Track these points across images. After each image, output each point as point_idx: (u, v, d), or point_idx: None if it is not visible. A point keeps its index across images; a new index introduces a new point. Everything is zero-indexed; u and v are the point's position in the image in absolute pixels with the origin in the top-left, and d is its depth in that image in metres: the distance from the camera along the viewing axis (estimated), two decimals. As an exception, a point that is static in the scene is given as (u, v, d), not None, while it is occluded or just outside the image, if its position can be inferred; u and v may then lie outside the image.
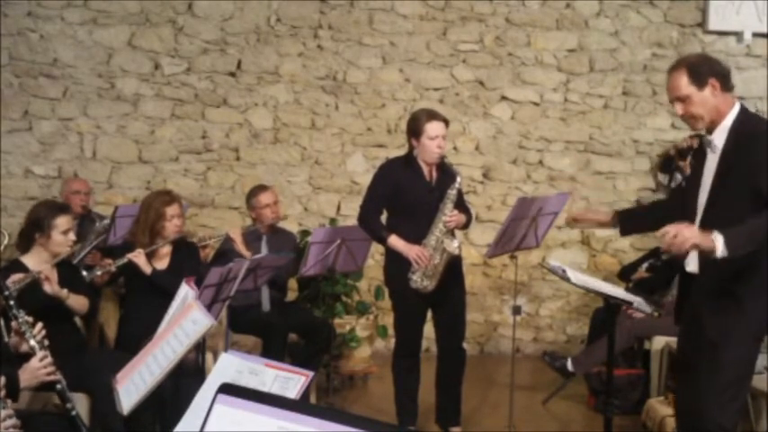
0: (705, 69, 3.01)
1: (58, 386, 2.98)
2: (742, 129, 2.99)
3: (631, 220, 3.54)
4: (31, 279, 3.62)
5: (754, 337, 3.02)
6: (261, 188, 5.26)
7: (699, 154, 3.17)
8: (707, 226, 2.99)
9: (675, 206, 3.29)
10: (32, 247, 3.83)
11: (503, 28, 6.71)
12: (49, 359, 2.95)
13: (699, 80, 3.00)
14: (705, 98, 3.00)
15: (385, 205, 4.37)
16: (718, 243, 2.77)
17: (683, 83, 3.02)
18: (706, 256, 2.90)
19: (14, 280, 3.52)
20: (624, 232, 3.57)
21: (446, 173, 4.26)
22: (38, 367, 2.92)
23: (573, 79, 6.76)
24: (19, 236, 3.99)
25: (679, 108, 3.06)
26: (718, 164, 3.01)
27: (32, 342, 2.96)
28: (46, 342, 3.01)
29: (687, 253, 3.00)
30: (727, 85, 3.03)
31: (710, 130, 3.07)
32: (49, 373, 2.94)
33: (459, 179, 4.22)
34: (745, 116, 3.04)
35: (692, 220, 3.06)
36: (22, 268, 3.74)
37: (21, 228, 3.98)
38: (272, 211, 5.14)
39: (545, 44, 6.73)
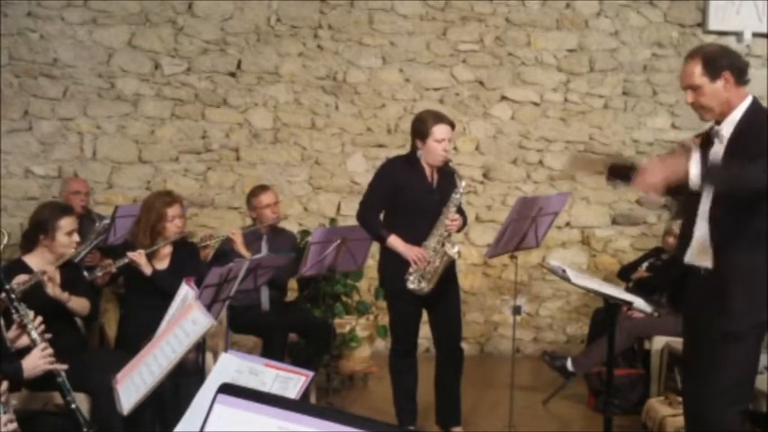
0: (721, 62, 2.99)
1: (59, 379, 3.01)
2: (750, 121, 2.98)
3: (622, 173, 3.32)
4: (35, 281, 3.62)
5: (754, 333, 3.00)
6: (261, 188, 5.26)
7: (706, 144, 3.16)
8: (711, 215, 3.00)
9: None
10: (36, 248, 3.83)
11: (503, 28, 6.71)
12: (51, 350, 3.00)
13: (713, 72, 2.99)
14: (716, 90, 2.99)
15: (384, 204, 4.35)
16: (693, 170, 2.78)
17: (697, 72, 3.00)
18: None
19: (19, 281, 3.53)
20: (610, 178, 3.44)
21: (447, 175, 4.25)
22: (40, 356, 2.96)
23: (573, 79, 6.76)
24: (23, 237, 4.00)
25: (689, 96, 3.06)
26: (723, 154, 3.01)
27: (34, 334, 3.00)
28: (47, 335, 3.05)
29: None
30: (741, 80, 3.01)
31: (719, 121, 3.06)
32: (51, 362, 2.97)
33: (463, 184, 4.22)
34: (755, 109, 3.02)
35: (695, 208, 3.07)
36: (25, 268, 3.74)
37: (24, 229, 3.99)
38: (272, 211, 5.14)
39: (545, 44, 6.73)
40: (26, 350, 3.08)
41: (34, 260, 3.81)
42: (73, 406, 3.02)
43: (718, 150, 3.04)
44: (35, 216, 3.86)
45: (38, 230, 3.80)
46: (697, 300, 3.09)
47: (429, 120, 4.22)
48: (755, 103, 3.05)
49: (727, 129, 3.02)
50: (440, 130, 4.18)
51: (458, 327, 4.45)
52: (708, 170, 2.81)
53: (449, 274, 4.35)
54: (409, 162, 4.31)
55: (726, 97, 3.00)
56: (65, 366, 3.06)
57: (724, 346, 2.95)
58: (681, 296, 3.22)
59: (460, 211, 4.41)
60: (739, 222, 2.94)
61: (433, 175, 4.30)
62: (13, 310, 3.06)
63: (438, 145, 4.18)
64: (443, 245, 4.17)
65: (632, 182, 2.95)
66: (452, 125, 4.28)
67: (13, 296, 3.08)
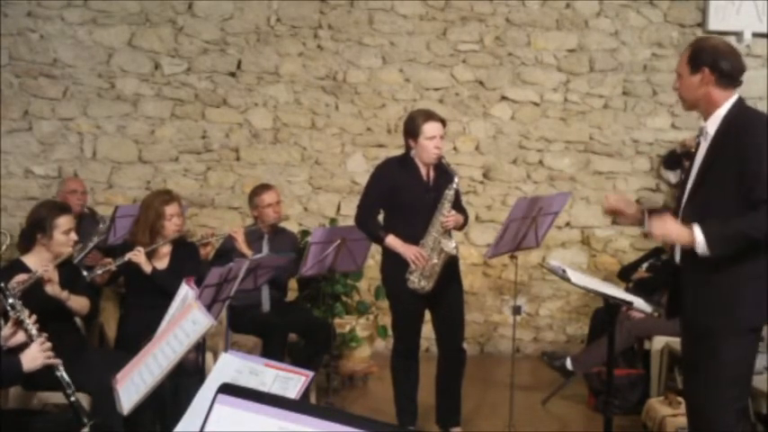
0: (705, 57, 2.99)
1: (58, 373, 3.01)
2: (734, 118, 2.98)
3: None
4: (35, 280, 3.62)
5: (751, 330, 3.00)
6: (264, 187, 5.26)
7: (696, 145, 3.17)
8: (687, 212, 3.00)
9: None
10: (34, 248, 3.83)
11: (503, 28, 6.71)
12: (48, 344, 3.00)
13: (694, 64, 3.00)
14: (692, 83, 3.01)
15: (382, 206, 4.36)
16: (699, 240, 2.82)
17: (683, 60, 3.05)
18: (691, 251, 2.91)
19: (18, 281, 3.53)
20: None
21: (443, 173, 4.26)
22: (39, 349, 2.97)
23: (573, 79, 6.76)
24: (20, 236, 4.00)
25: (675, 82, 3.12)
26: (707, 150, 3.01)
27: (32, 330, 3.01)
28: (44, 334, 3.05)
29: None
30: (723, 81, 2.99)
31: (706, 118, 3.06)
32: (48, 357, 2.98)
33: (456, 179, 4.22)
34: (740, 107, 3.02)
35: (679, 207, 3.08)
36: (24, 268, 3.74)
37: (22, 228, 3.98)
38: (274, 210, 5.14)
39: (545, 44, 6.73)
40: (19, 349, 3.07)
41: (32, 260, 3.81)
42: (72, 399, 3.02)
43: (703, 149, 3.03)
44: (32, 215, 3.86)
45: (35, 229, 3.80)
46: (692, 297, 3.08)
47: (419, 118, 4.24)
48: (739, 104, 3.03)
49: (711, 126, 3.03)
50: (430, 128, 4.19)
51: (460, 328, 4.45)
52: (707, 237, 2.82)
53: (452, 275, 4.35)
54: (403, 162, 4.32)
55: (702, 93, 3.00)
56: (59, 362, 3.06)
57: (721, 346, 2.95)
58: (676, 303, 3.21)
59: (461, 208, 4.41)
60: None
61: (429, 173, 4.30)
62: (9, 308, 3.06)
63: (429, 142, 4.19)
64: (440, 242, 4.17)
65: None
66: (443, 122, 4.29)
67: (7, 293, 3.08)
